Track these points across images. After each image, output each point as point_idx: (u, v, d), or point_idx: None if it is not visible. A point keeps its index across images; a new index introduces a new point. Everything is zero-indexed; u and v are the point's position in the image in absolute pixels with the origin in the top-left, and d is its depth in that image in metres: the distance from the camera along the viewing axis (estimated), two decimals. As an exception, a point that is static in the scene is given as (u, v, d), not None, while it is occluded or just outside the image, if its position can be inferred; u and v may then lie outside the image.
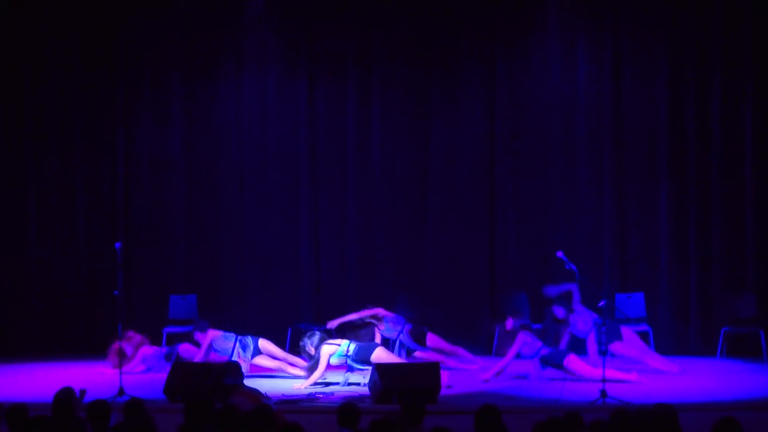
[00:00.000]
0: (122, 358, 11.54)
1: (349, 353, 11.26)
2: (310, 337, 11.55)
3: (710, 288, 13.80)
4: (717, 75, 13.76)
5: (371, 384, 10.29)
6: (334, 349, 11.29)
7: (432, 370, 10.28)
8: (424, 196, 14.37)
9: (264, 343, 12.06)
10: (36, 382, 11.80)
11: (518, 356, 11.49)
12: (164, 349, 12.61)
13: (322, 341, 11.43)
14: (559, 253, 10.92)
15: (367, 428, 6.11)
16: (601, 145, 14.06)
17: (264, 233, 14.46)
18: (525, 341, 11.47)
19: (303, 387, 11.00)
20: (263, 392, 10.24)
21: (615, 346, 11.64)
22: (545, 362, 11.28)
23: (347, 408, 6.84)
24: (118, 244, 10.92)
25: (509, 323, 11.87)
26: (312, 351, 11.44)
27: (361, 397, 10.11)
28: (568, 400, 9.96)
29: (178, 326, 13.80)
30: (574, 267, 10.75)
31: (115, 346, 11.97)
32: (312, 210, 14.46)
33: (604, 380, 9.93)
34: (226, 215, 14.49)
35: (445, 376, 10.55)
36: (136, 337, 12.55)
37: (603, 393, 9.77)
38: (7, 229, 14.40)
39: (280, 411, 7.35)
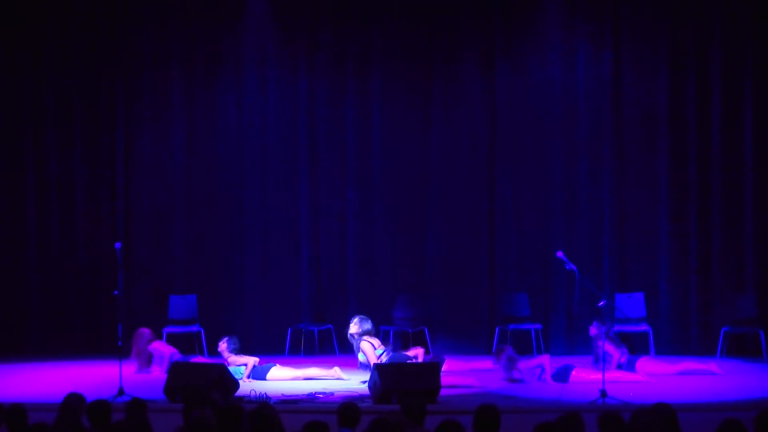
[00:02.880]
0: (142, 358, 12.07)
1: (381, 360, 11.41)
2: (362, 320, 11.76)
3: (710, 288, 13.80)
4: (717, 75, 13.76)
5: (371, 384, 10.28)
6: (374, 347, 11.50)
7: (432, 370, 10.28)
8: (425, 196, 14.37)
9: (275, 372, 11.86)
10: (36, 382, 11.80)
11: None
12: (176, 355, 12.45)
13: (367, 333, 11.67)
14: (559, 253, 10.91)
15: (367, 427, 6.11)
16: (601, 144, 14.06)
17: (264, 233, 14.46)
18: (523, 368, 11.46)
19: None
20: (264, 393, 10.28)
21: (640, 364, 11.65)
22: (554, 379, 11.25)
23: (347, 408, 6.83)
24: (118, 244, 10.92)
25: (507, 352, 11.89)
26: (355, 330, 11.66)
27: (361, 397, 10.10)
28: (568, 401, 9.95)
29: (178, 326, 13.79)
30: (574, 267, 10.74)
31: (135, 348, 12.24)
32: (312, 210, 14.45)
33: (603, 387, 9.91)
34: (226, 215, 14.48)
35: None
36: (146, 333, 12.50)
37: (603, 393, 9.76)
38: (7, 229, 14.39)
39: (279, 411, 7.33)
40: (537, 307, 13.89)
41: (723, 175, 13.77)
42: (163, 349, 12.42)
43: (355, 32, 14.37)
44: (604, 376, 10.00)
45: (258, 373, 11.77)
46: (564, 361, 11.80)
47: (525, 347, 13.50)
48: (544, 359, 11.47)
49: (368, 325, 11.78)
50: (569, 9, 14.07)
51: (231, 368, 11.39)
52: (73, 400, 6.99)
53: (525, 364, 11.51)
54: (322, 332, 13.98)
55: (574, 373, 11.19)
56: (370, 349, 11.54)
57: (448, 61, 14.25)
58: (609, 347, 11.48)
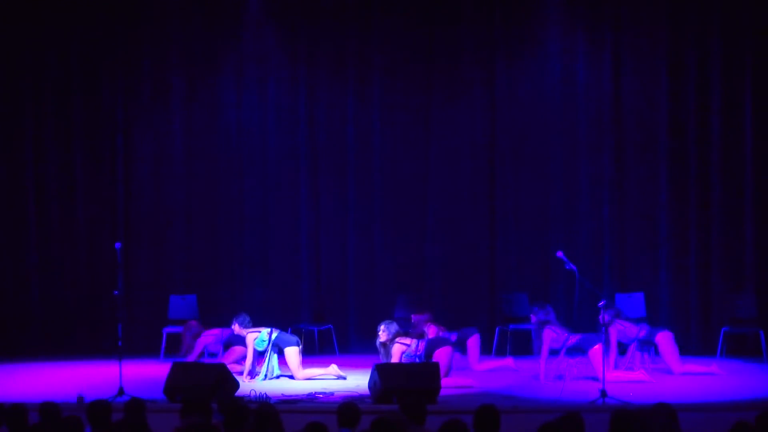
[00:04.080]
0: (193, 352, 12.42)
1: (419, 352, 11.38)
2: (388, 325, 11.65)
3: (710, 288, 13.80)
4: (717, 74, 13.76)
5: (371, 384, 10.28)
6: (405, 349, 11.45)
7: (432, 370, 10.28)
8: (425, 196, 14.38)
9: (292, 351, 11.88)
10: (36, 382, 11.79)
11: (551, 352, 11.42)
12: (225, 333, 12.56)
13: (397, 335, 11.55)
14: (559, 253, 10.91)
15: (368, 428, 6.11)
16: (601, 144, 14.07)
17: (264, 233, 14.46)
18: (551, 337, 11.40)
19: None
20: (264, 392, 10.27)
21: (659, 337, 11.67)
22: (574, 349, 11.22)
23: (347, 408, 6.83)
24: (118, 244, 10.91)
25: (533, 317, 11.76)
26: (385, 337, 11.56)
27: (361, 397, 10.11)
28: (568, 400, 9.95)
29: (178, 326, 13.77)
30: (574, 267, 10.74)
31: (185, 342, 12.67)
32: (312, 210, 14.46)
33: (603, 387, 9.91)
34: (226, 215, 14.49)
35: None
36: (193, 326, 12.72)
37: (603, 393, 9.76)
38: (7, 230, 14.39)
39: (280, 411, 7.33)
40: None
41: (723, 176, 13.77)
42: (205, 341, 12.61)
43: (355, 32, 14.37)
44: (604, 374, 10.01)
45: (280, 341, 11.81)
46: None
47: (525, 347, 13.50)
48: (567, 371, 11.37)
49: (394, 327, 11.70)
50: (569, 10, 14.07)
51: (255, 338, 11.75)
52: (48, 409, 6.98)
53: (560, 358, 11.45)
54: (322, 332, 13.98)
55: (596, 348, 11.13)
56: (399, 355, 11.48)
57: (449, 61, 14.25)
58: (612, 331, 11.50)
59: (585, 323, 13.05)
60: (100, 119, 14.48)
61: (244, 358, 12.10)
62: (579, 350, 11.15)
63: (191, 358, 12.53)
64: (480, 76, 14.24)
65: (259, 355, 11.91)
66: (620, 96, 14.03)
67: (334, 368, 11.81)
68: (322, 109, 14.46)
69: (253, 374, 11.75)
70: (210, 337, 12.66)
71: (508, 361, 12.45)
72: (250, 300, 14.35)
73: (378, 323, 13.80)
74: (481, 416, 6.29)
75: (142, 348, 13.64)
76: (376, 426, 6.05)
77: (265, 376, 11.70)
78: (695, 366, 11.92)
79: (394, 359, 11.44)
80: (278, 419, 6.47)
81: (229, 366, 11.09)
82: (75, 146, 14.44)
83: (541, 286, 14.02)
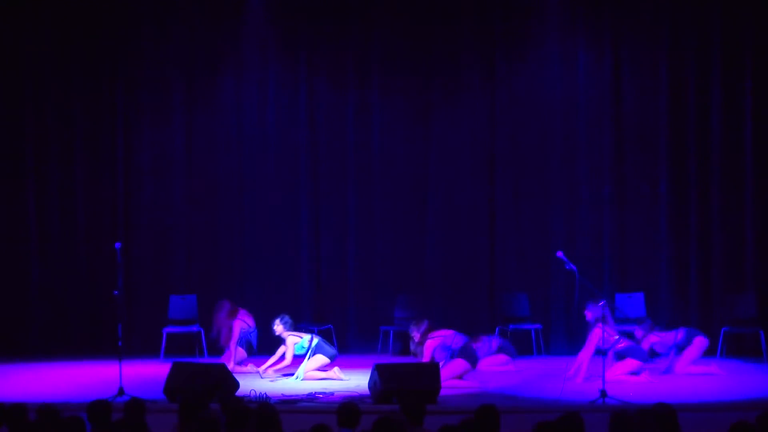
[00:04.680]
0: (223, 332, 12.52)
1: (456, 346, 11.33)
2: (417, 325, 11.67)
3: (710, 288, 13.81)
4: (717, 75, 13.77)
5: (371, 384, 10.29)
6: (437, 343, 11.43)
7: (432, 370, 10.28)
8: (425, 196, 14.38)
9: (320, 360, 11.95)
10: (36, 382, 11.80)
11: (597, 352, 11.33)
12: (254, 333, 12.62)
13: (429, 330, 11.54)
14: (559, 253, 10.92)
15: (370, 428, 6.12)
16: (601, 144, 14.07)
17: (264, 233, 14.45)
18: (600, 336, 11.33)
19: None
20: (264, 392, 10.27)
21: (697, 340, 11.85)
22: (620, 356, 11.25)
23: (347, 408, 6.83)
24: (118, 244, 10.91)
25: (588, 314, 11.66)
26: (418, 339, 11.57)
27: (361, 397, 10.11)
28: (568, 400, 9.95)
29: (178, 326, 13.81)
30: (574, 267, 10.75)
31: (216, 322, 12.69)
32: (312, 210, 14.46)
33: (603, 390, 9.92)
34: (226, 215, 14.48)
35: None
36: (225, 306, 12.72)
37: (603, 393, 9.76)
38: (7, 230, 14.38)
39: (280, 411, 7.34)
40: (537, 307, 13.89)
41: (723, 176, 13.78)
42: (241, 325, 12.59)
43: (356, 32, 14.37)
44: (603, 372, 10.00)
45: (319, 349, 11.91)
46: (564, 361, 11.77)
47: (525, 347, 13.51)
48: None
49: (424, 325, 11.69)
50: (569, 12, 14.08)
51: (296, 342, 11.87)
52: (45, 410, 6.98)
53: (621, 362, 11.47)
54: (322, 332, 13.95)
55: (635, 362, 11.28)
56: (429, 352, 11.46)
57: (449, 62, 14.26)
58: (653, 338, 11.63)
59: (585, 324, 13.07)
60: (100, 119, 14.47)
61: (248, 361, 12.13)
62: (622, 357, 11.18)
63: (231, 343, 12.50)
64: (480, 76, 14.24)
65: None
66: (620, 96, 14.03)
67: (336, 370, 11.80)
68: (322, 109, 14.45)
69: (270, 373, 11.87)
70: (245, 324, 12.63)
71: (509, 365, 12.47)
72: (251, 300, 14.35)
73: (378, 324, 13.90)
74: (481, 416, 6.30)
75: (142, 348, 13.64)
76: (377, 426, 6.06)
77: (299, 377, 11.75)
78: (695, 366, 11.92)
79: (426, 357, 11.44)
80: (278, 419, 6.48)
81: (230, 367, 11.09)
82: (75, 146, 14.43)
83: (541, 286, 14.03)
